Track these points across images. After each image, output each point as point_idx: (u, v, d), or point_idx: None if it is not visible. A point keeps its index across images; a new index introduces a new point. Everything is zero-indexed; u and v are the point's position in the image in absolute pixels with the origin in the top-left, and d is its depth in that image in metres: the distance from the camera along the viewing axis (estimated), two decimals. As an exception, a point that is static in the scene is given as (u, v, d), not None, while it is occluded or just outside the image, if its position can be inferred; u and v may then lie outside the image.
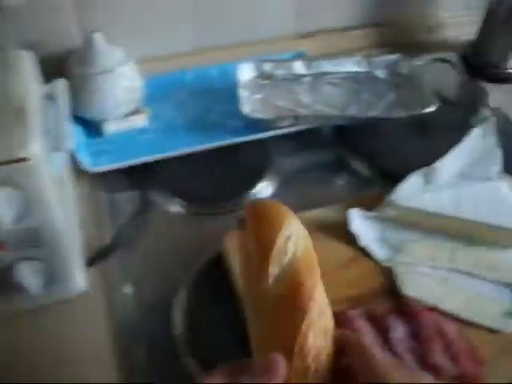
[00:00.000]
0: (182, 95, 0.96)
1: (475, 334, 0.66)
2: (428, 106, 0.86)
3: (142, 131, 0.90)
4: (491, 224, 0.73)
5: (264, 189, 0.83)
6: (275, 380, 0.46)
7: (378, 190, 0.82)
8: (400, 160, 0.86)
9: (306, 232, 0.56)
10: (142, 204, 0.81)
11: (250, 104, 0.90)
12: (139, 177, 0.84)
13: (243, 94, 0.90)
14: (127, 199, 0.82)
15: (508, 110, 0.99)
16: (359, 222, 0.75)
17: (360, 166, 0.88)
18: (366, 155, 0.88)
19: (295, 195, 0.83)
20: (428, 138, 0.90)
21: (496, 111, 0.98)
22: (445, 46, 1.12)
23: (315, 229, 0.74)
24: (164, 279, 0.71)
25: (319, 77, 0.95)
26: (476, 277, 0.72)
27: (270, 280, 0.51)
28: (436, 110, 0.87)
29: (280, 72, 0.95)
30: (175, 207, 0.81)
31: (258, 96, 0.92)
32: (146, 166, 0.83)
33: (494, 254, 0.74)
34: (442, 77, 1.05)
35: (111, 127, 0.88)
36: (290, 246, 0.52)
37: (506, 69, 1.05)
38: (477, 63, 1.07)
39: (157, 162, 0.84)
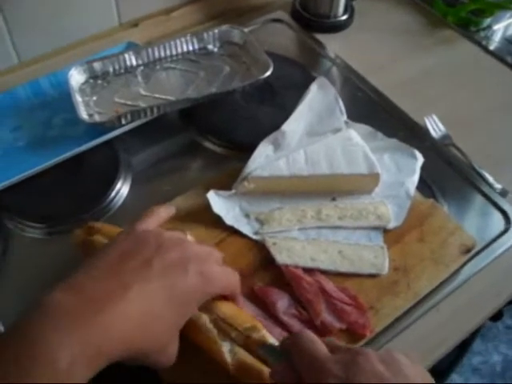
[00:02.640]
0: (18, 114, 0.89)
1: (355, 283, 0.68)
2: (264, 72, 0.85)
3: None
4: (349, 173, 0.74)
5: (119, 191, 0.81)
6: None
7: (236, 164, 0.79)
8: (250, 129, 0.85)
9: None
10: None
11: (88, 108, 0.85)
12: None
13: (79, 99, 0.85)
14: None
15: (346, 56, 1.00)
16: (220, 202, 0.73)
17: (213, 145, 0.86)
18: (216, 133, 0.87)
19: (155, 188, 0.81)
20: (274, 101, 0.90)
21: (335, 60, 1.00)
22: (275, 5, 1.11)
23: (180, 218, 0.72)
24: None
25: (152, 64, 0.91)
26: (345, 228, 0.73)
27: None
28: (278, 72, 0.87)
29: (112, 68, 0.90)
30: (32, 231, 0.76)
31: (94, 98, 0.87)
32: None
33: (356, 202, 0.75)
34: (277, 37, 1.05)
35: None
36: None
37: (336, 17, 1.07)
38: (308, 17, 1.07)
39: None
